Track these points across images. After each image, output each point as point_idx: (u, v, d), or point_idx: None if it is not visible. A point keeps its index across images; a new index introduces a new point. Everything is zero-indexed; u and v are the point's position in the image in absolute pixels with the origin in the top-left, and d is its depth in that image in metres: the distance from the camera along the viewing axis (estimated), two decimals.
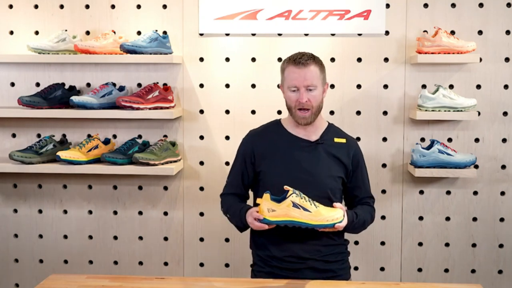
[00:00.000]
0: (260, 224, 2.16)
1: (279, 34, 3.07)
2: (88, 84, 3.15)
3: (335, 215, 2.16)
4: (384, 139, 3.09)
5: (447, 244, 3.14)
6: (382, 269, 3.17)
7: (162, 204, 3.20)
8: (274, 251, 2.36)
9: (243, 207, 2.34)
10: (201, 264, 3.22)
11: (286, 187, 2.15)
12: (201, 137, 3.15)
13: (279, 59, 3.05)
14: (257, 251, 2.44)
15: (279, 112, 3.07)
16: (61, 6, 3.13)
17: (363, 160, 2.49)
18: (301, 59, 2.33)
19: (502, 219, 3.11)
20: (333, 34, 3.06)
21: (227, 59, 3.10)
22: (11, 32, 3.16)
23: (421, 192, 3.11)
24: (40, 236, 3.25)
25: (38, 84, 3.16)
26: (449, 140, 3.07)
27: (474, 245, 3.13)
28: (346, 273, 2.44)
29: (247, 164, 2.43)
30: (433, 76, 3.04)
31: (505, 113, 3.06)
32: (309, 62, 2.34)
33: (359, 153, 2.48)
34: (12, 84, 3.18)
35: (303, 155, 2.38)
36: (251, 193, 2.53)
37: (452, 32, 3.01)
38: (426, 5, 3.02)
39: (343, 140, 2.45)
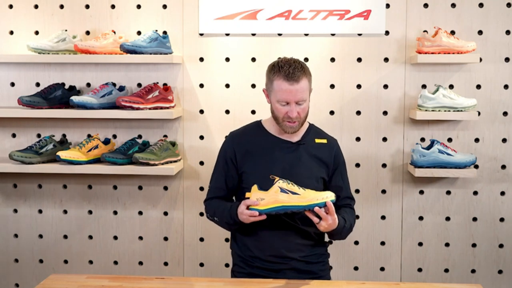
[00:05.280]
0: (251, 212, 2.14)
1: (279, 34, 3.07)
2: (88, 84, 3.16)
3: (324, 194, 2.15)
4: (384, 139, 3.09)
5: (447, 244, 3.14)
6: (382, 269, 3.17)
7: (162, 204, 3.20)
8: (256, 251, 2.34)
9: (233, 204, 2.31)
10: (201, 264, 3.22)
11: (272, 176, 2.16)
12: (201, 137, 3.15)
13: None
14: (238, 252, 2.42)
15: None
16: (61, 6, 3.13)
17: (343, 161, 2.49)
18: (293, 75, 2.26)
19: (502, 219, 3.11)
20: (333, 34, 3.06)
21: (227, 59, 3.10)
22: (11, 32, 3.16)
23: (421, 192, 3.11)
24: (40, 236, 3.25)
25: (38, 84, 3.16)
26: (449, 140, 3.07)
27: (474, 245, 3.13)
28: (326, 274, 2.43)
29: (229, 166, 2.39)
30: (433, 76, 3.04)
31: (505, 113, 3.06)
32: (301, 76, 2.27)
33: (340, 153, 2.48)
34: (12, 84, 3.18)
35: (284, 156, 2.36)
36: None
37: (452, 32, 3.01)
38: (426, 5, 3.02)
39: (324, 141, 2.45)
